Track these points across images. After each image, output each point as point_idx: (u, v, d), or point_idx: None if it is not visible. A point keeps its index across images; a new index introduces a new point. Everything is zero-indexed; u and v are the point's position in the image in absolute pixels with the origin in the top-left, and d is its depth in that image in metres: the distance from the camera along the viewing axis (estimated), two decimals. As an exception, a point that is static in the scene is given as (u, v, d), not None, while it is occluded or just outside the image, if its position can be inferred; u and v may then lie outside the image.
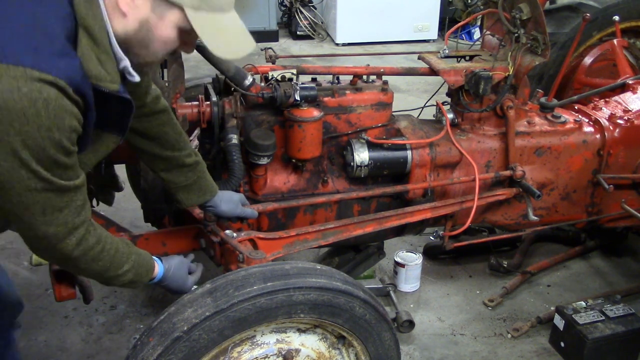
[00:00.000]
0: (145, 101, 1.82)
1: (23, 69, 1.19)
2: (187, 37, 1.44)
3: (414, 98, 5.35)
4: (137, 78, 1.48)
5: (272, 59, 2.53)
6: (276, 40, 7.91)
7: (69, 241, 1.42)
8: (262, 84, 2.34)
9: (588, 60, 3.45)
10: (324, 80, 2.56)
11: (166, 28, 1.40)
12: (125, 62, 1.43)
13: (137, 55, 1.46)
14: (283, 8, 8.37)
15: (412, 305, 3.00)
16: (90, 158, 1.58)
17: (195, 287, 1.84)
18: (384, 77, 2.57)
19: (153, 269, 1.75)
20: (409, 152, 2.49)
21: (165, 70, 2.32)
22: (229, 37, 1.46)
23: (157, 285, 1.82)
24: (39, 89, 1.20)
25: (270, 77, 2.36)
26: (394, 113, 2.60)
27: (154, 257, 1.77)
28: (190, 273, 1.92)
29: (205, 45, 1.41)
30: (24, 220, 1.36)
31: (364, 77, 2.56)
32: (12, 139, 1.21)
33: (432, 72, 2.64)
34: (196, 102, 2.33)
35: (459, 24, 3.08)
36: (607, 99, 2.99)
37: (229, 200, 2.10)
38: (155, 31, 1.41)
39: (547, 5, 3.42)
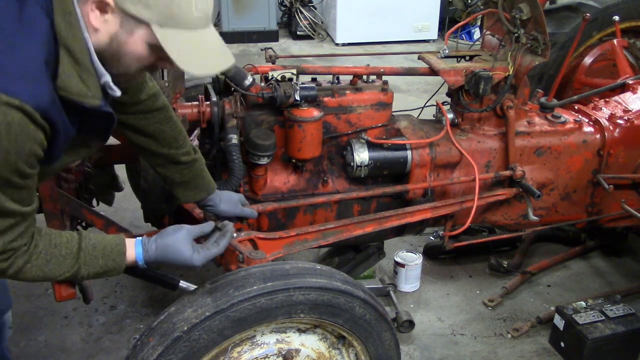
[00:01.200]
0: (140, 98, 1.82)
1: None
2: (162, 53, 1.42)
3: (414, 98, 5.35)
4: (117, 93, 1.49)
5: (272, 59, 2.53)
6: (276, 40, 7.91)
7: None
8: (262, 84, 2.34)
9: (588, 60, 3.45)
10: (324, 80, 2.56)
11: (135, 43, 1.41)
12: (106, 78, 1.45)
13: (112, 67, 1.47)
14: (283, 8, 8.37)
15: (412, 305, 3.00)
16: (72, 156, 1.61)
17: (195, 287, 1.84)
18: (384, 77, 2.57)
19: (120, 258, 1.57)
20: (409, 152, 2.48)
21: (165, 70, 2.33)
22: (200, 54, 1.45)
23: (151, 265, 1.66)
24: (4, 112, 1.22)
25: (270, 77, 2.36)
26: (394, 113, 2.60)
27: (134, 240, 1.63)
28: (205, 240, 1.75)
29: (174, 61, 1.40)
30: None
31: (364, 77, 2.56)
32: None
33: (432, 72, 2.64)
34: (196, 102, 2.33)
35: (459, 24, 3.08)
36: (607, 99, 2.99)
37: (228, 200, 2.10)
38: (126, 46, 1.41)
39: (547, 5, 3.42)
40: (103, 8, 1.36)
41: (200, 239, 1.77)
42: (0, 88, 1.22)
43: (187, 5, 1.38)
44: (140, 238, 1.65)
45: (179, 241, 1.65)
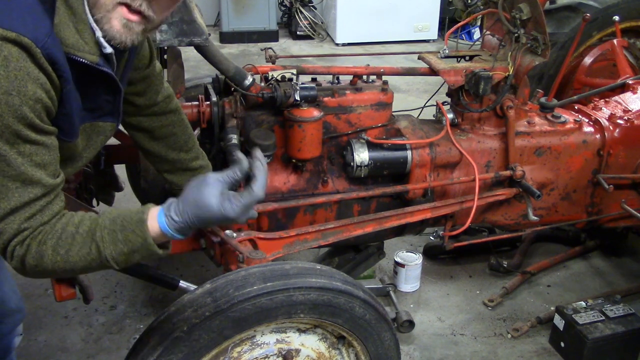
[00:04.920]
0: (157, 100, 1.81)
1: None
2: None
3: (414, 98, 5.35)
4: (109, 49, 1.35)
5: (272, 59, 2.53)
6: (276, 40, 7.91)
7: (10, 249, 1.22)
8: (262, 84, 2.34)
9: (588, 60, 3.45)
10: (324, 80, 2.56)
11: None
12: (99, 33, 1.32)
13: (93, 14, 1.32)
14: (283, 8, 8.37)
15: (412, 305, 3.00)
16: (88, 150, 1.50)
17: (195, 287, 1.84)
18: (384, 77, 2.57)
19: (143, 230, 1.29)
20: (409, 152, 2.49)
21: (165, 70, 2.33)
22: None
23: (187, 234, 1.37)
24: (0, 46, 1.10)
25: (270, 77, 2.36)
26: (394, 113, 2.60)
27: (152, 210, 1.34)
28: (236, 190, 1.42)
29: None
30: None
31: (364, 77, 2.56)
32: None
33: (432, 72, 2.64)
34: (196, 102, 2.34)
35: (459, 24, 3.08)
36: (607, 99, 2.99)
37: None
38: None
39: (547, 5, 3.41)
40: None
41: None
42: None
43: None
44: (164, 205, 1.36)
45: (206, 196, 1.32)
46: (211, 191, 1.33)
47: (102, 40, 1.33)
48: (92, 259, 1.28)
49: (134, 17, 1.32)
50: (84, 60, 1.29)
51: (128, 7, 1.30)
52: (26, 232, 1.20)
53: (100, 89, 1.40)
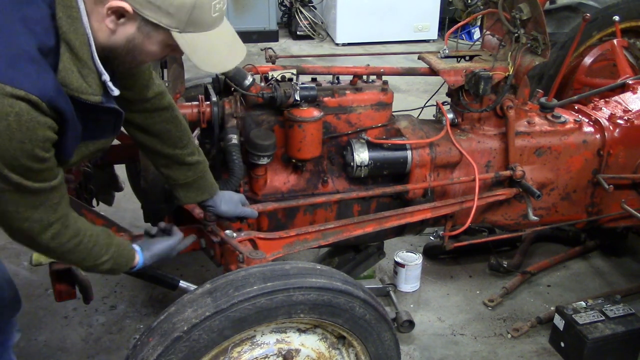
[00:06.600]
0: (147, 96, 1.82)
1: None
2: (178, 52, 1.47)
3: (414, 98, 5.35)
4: (116, 92, 1.49)
5: (272, 59, 2.53)
6: (276, 40, 7.91)
7: (45, 235, 1.47)
8: (262, 84, 2.34)
9: (588, 60, 3.45)
10: (324, 80, 2.56)
11: (152, 44, 1.43)
12: (106, 77, 1.45)
13: (123, 62, 1.48)
14: (283, 8, 8.37)
15: (412, 305, 3.00)
16: (84, 153, 1.61)
17: (195, 287, 1.84)
18: (384, 77, 2.57)
19: (133, 260, 1.78)
20: (409, 152, 2.48)
21: (165, 70, 2.33)
22: (216, 51, 1.48)
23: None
24: (11, 103, 1.23)
25: (270, 77, 2.36)
26: (394, 113, 2.60)
27: (134, 246, 1.81)
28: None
29: (192, 61, 1.43)
30: (1, 217, 1.41)
31: (364, 77, 2.56)
32: None
33: (432, 72, 2.64)
34: (196, 102, 2.33)
35: (459, 24, 3.08)
36: (607, 99, 2.99)
37: (229, 201, 2.10)
38: (142, 47, 1.44)
39: (547, 5, 3.41)
40: (120, 14, 1.36)
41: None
42: (4, 79, 1.22)
43: (207, 10, 1.40)
44: (138, 247, 1.82)
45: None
46: (173, 252, 1.94)
47: (109, 84, 1.46)
48: (107, 257, 1.66)
49: None
50: (88, 102, 1.40)
51: None
52: (59, 220, 1.49)
53: (104, 116, 1.51)
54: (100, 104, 1.44)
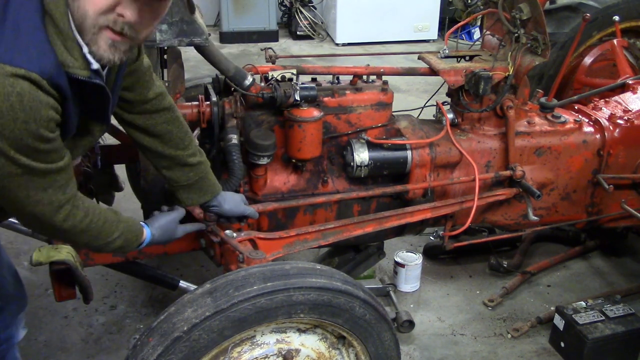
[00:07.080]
0: (147, 97, 1.82)
1: None
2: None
3: (414, 98, 5.35)
4: (95, 65, 1.44)
5: (272, 59, 2.53)
6: (276, 40, 7.91)
7: (57, 217, 1.49)
8: (262, 84, 2.34)
9: (588, 60, 3.45)
10: (324, 80, 2.56)
11: None
12: (85, 49, 1.41)
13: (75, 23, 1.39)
14: (283, 8, 8.37)
15: (412, 305, 3.00)
16: (75, 150, 1.61)
17: (195, 287, 1.84)
18: (384, 77, 2.57)
19: (142, 235, 1.80)
20: (409, 152, 2.49)
21: (165, 70, 2.33)
22: None
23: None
24: (12, 83, 1.23)
25: (270, 77, 2.36)
26: (394, 113, 2.60)
27: (141, 223, 1.83)
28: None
29: None
30: (12, 202, 1.42)
31: (364, 77, 2.56)
32: None
33: (432, 72, 2.64)
34: (196, 102, 2.33)
35: (459, 24, 3.08)
36: (607, 99, 2.99)
37: (231, 200, 2.10)
38: None
39: (547, 5, 3.41)
40: None
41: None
42: (3, 59, 1.22)
43: None
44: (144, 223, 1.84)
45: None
46: (178, 230, 1.96)
47: (89, 56, 1.42)
48: (118, 234, 1.68)
49: (119, 38, 1.42)
50: (76, 77, 1.38)
51: (112, 30, 1.40)
52: (70, 201, 1.51)
53: (90, 94, 1.49)
54: (89, 79, 1.42)
